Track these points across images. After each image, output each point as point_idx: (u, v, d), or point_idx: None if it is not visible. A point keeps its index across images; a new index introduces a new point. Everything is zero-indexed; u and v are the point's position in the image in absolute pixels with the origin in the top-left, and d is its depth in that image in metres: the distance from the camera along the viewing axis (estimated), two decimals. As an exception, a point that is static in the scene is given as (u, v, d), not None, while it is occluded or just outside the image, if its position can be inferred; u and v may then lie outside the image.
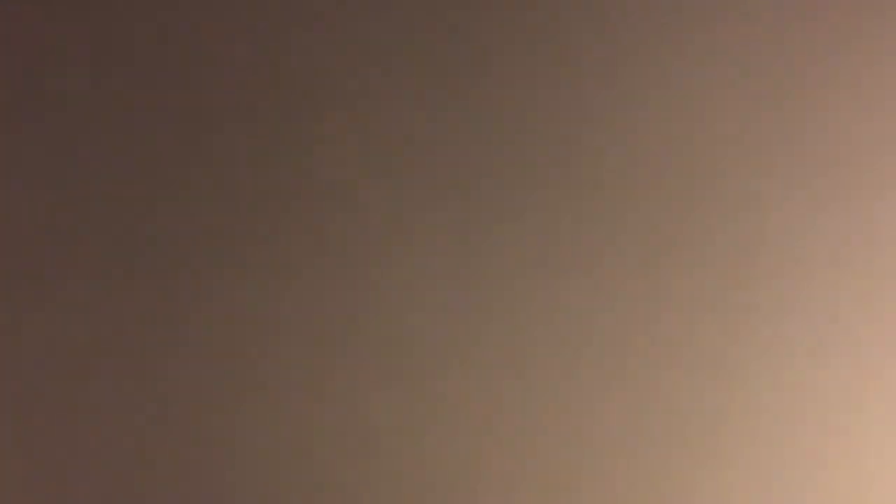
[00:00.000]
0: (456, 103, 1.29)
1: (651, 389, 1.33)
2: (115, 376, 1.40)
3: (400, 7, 1.28)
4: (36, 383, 1.41)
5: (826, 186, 1.26)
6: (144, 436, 1.41)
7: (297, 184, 1.32)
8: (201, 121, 1.32)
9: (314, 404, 1.38)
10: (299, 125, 1.31)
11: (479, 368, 1.35)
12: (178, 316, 1.37)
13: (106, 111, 1.33)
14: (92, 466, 1.42)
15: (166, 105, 1.33)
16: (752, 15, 1.25)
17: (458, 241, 1.32)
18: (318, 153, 1.32)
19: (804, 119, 1.26)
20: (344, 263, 1.34)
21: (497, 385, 1.35)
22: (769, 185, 1.27)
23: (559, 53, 1.27)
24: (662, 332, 1.31)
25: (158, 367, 1.39)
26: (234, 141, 1.32)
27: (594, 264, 1.31)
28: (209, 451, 1.40)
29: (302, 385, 1.37)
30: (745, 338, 1.30)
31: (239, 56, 1.29)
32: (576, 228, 1.31)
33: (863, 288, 1.28)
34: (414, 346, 1.35)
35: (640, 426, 1.34)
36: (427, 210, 1.32)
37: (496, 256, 1.32)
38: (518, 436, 1.36)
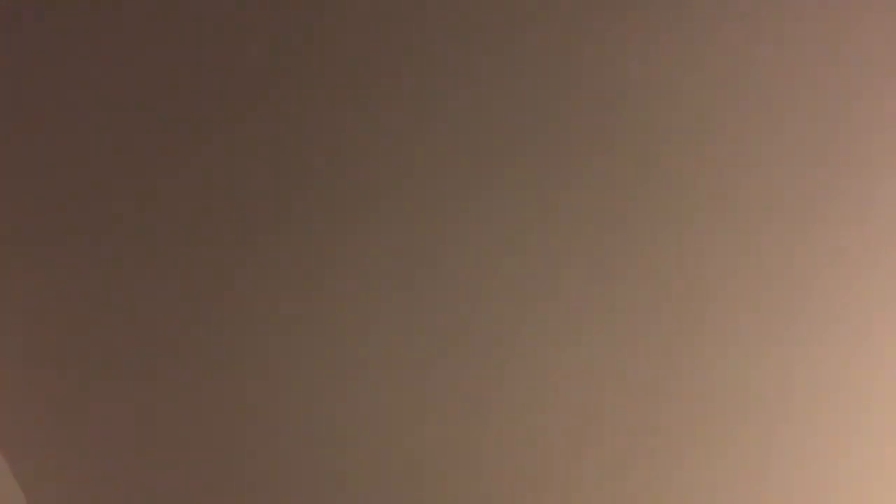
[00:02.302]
0: (457, 109, 1.29)
1: (652, 387, 1.33)
2: (117, 376, 1.40)
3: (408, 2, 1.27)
4: (39, 383, 1.41)
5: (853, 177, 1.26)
6: (145, 435, 1.42)
7: (305, 184, 1.32)
8: (203, 118, 1.32)
9: (316, 403, 1.38)
10: (304, 124, 1.31)
11: (482, 366, 1.35)
12: (182, 314, 1.37)
13: (108, 110, 1.33)
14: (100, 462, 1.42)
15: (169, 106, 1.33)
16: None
17: (460, 242, 1.32)
18: (327, 154, 1.32)
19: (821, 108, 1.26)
20: (354, 264, 1.34)
21: (502, 385, 1.35)
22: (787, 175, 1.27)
23: (568, 44, 1.27)
24: (666, 327, 1.31)
25: (162, 366, 1.39)
26: (236, 141, 1.32)
27: (595, 260, 1.31)
28: (217, 448, 1.41)
29: (305, 384, 1.38)
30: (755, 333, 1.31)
31: (242, 52, 1.29)
32: (576, 228, 1.31)
33: (870, 284, 1.28)
34: (415, 344, 1.35)
35: (639, 424, 1.34)
36: (426, 213, 1.32)
37: (501, 257, 1.32)
38: (523, 434, 1.36)
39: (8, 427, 1.40)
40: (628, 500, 1.36)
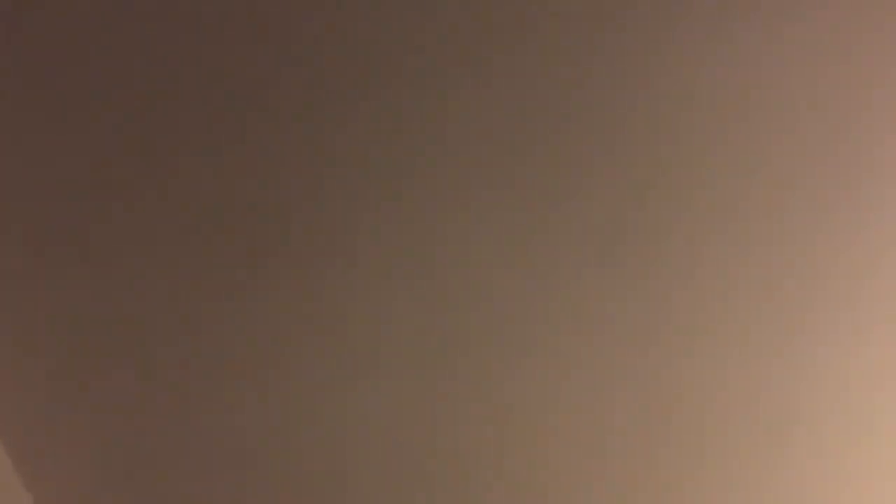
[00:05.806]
0: (462, 109, 1.28)
1: (656, 387, 1.33)
2: (121, 377, 1.40)
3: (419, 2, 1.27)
4: (44, 383, 1.41)
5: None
6: (147, 434, 1.42)
7: (304, 187, 1.32)
8: (206, 117, 1.32)
9: (311, 402, 1.38)
10: (309, 126, 1.31)
11: (489, 368, 1.35)
12: (185, 314, 1.37)
13: (116, 108, 1.33)
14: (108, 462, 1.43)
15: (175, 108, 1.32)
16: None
17: (468, 242, 1.32)
18: (327, 156, 1.31)
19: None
20: (346, 263, 1.34)
21: (501, 384, 1.35)
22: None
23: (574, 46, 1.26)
24: (673, 327, 1.31)
25: (164, 366, 1.39)
26: (240, 142, 1.32)
27: (599, 260, 1.31)
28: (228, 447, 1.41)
29: (301, 382, 1.38)
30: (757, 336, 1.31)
31: (246, 55, 1.28)
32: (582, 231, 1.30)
33: (878, 288, 1.28)
34: (421, 344, 1.35)
35: (642, 425, 1.35)
36: (428, 211, 1.31)
37: (511, 258, 1.32)
38: (521, 434, 1.36)
39: (11, 425, 1.40)
40: (637, 500, 1.36)
